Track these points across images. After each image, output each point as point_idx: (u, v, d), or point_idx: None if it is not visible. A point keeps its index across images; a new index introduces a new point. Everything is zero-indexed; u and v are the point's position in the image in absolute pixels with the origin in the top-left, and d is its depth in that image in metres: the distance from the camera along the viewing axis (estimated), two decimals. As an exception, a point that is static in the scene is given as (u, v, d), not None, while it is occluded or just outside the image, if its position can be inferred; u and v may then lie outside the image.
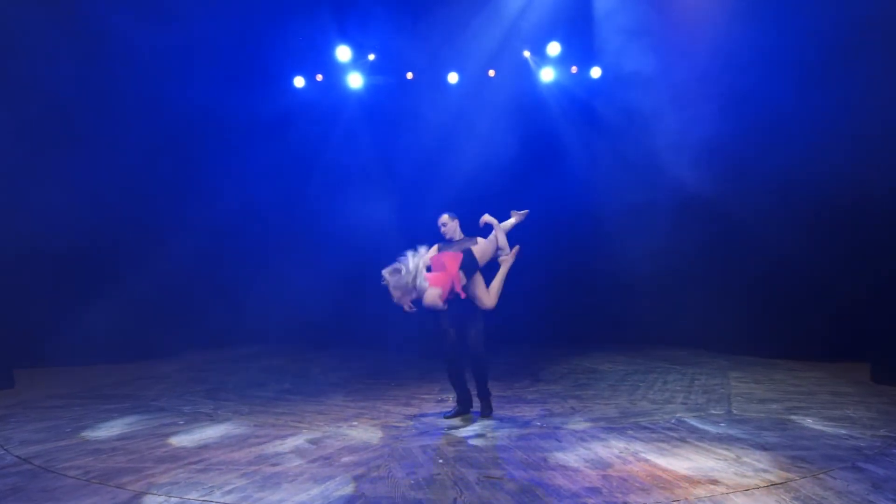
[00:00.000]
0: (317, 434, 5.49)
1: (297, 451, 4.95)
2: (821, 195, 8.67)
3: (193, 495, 4.01)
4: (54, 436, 5.49)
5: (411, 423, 5.88)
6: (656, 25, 9.93)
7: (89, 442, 5.32)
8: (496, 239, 5.95)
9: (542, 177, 11.81)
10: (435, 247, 6.09)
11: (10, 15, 8.63)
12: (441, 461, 4.65)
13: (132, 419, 6.10)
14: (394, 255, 12.10)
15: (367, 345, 11.23)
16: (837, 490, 3.93)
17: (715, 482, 4.09)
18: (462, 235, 6.13)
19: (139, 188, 10.01)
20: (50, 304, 9.28)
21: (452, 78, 11.50)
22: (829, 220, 8.70)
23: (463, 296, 5.59)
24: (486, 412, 5.99)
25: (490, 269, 6.03)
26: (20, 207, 8.83)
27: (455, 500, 3.89)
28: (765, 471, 4.30)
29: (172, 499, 3.96)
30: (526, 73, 11.54)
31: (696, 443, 5.01)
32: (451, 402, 6.36)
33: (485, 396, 6.02)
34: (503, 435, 5.37)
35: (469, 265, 5.70)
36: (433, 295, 5.36)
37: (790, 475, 4.20)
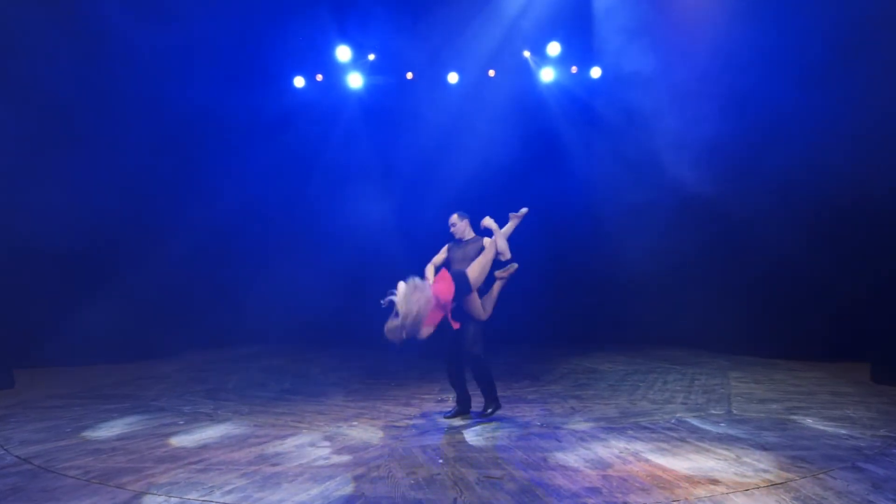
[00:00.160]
0: (317, 434, 5.49)
1: (297, 451, 4.95)
2: (821, 195, 8.67)
3: (193, 495, 4.01)
4: (54, 436, 5.49)
5: (411, 423, 5.88)
6: (656, 25, 9.93)
7: (89, 442, 5.32)
8: (495, 244, 5.87)
9: (541, 177, 11.81)
10: (445, 248, 6.10)
11: (10, 15, 8.63)
12: (441, 461, 4.65)
13: (132, 419, 6.10)
14: (394, 255, 12.19)
15: (367, 345, 11.22)
16: (837, 490, 3.93)
17: (715, 482, 4.09)
18: (473, 234, 6.07)
19: (139, 188, 10.01)
20: (50, 304, 9.28)
21: (452, 78, 11.51)
22: (829, 220, 8.70)
23: (456, 326, 5.59)
24: (489, 410, 5.88)
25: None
26: (20, 207, 8.83)
27: (455, 500, 3.89)
28: (765, 471, 4.30)
29: (172, 499, 3.96)
30: (526, 73, 11.55)
31: (696, 443, 5.01)
32: (451, 402, 6.36)
33: (490, 399, 5.91)
34: (503, 435, 5.37)
35: (462, 290, 5.63)
36: (426, 333, 5.45)
37: (790, 475, 4.20)
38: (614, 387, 7.49)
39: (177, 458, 4.82)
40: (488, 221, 6.00)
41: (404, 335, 5.43)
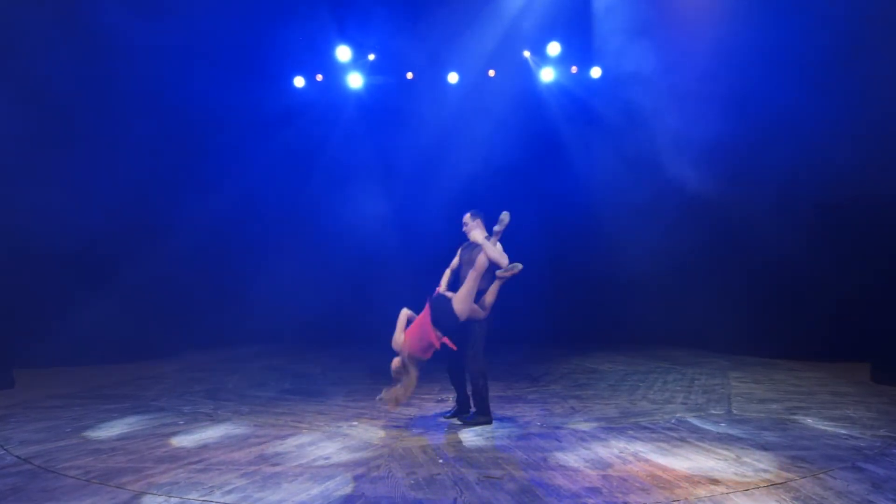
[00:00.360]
0: (317, 434, 5.49)
1: (297, 451, 4.95)
2: (821, 195, 8.68)
3: (193, 495, 4.01)
4: (54, 436, 5.49)
5: (411, 423, 5.87)
6: (656, 25, 9.94)
7: (89, 442, 5.32)
8: (484, 260, 5.68)
9: (541, 177, 11.82)
10: (459, 251, 6.02)
11: (10, 14, 8.62)
12: (441, 461, 4.65)
13: (132, 419, 6.10)
14: (394, 255, 12.15)
15: (368, 344, 11.22)
16: (837, 490, 3.93)
17: (715, 482, 4.09)
18: (486, 234, 5.89)
19: (139, 188, 10.00)
20: (50, 304, 9.28)
21: (452, 78, 11.50)
22: (829, 220, 8.71)
23: (454, 348, 5.60)
24: (471, 419, 5.78)
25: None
26: (20, 207, 8.82)
27: (455, 500, 3.89)
28: (765, 471, 4.30)
29: (172, 499, 3.96)
30: (526, 73, 11.55)
31: (696, 443, 5.01)
32: (451, 402, 6.36)
33: (481, 410, 5.79)
34: (503, 435, 5.37)
35: (441, 318, 5.54)
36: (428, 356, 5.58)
37: (790, 475, 4.20)
38: (614, 387, 7.49)
39: (177, 458, 4.81)
40: (475, 236, 5.81)
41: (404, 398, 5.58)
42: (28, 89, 8.80)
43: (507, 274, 5.75)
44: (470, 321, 5.69)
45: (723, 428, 5.45)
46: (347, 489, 4.08)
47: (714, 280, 10.05)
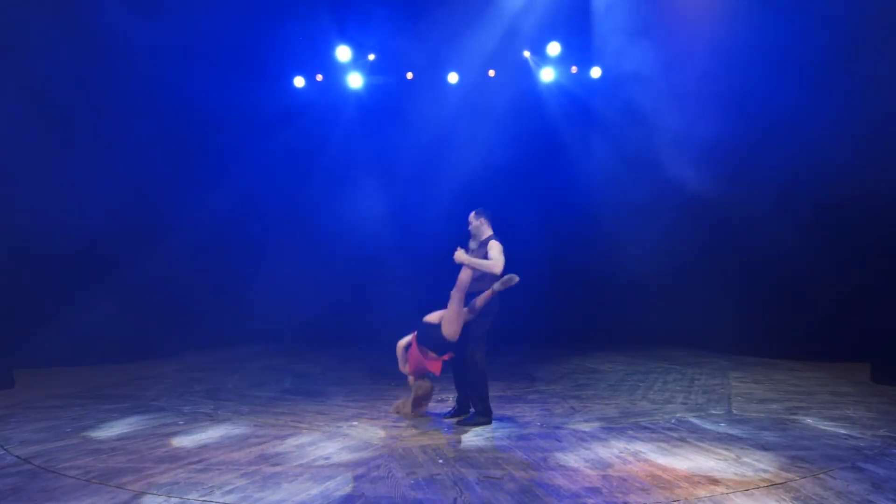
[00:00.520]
0: (317, 434, 5.49)
1: (297, 451, 4.95)
2: (821, 195, 8.68)
3: (193, 495, 4.01)
4: (54, 436, 5.49)
5: (411, 423, 5.87)
6: (656, 25, 9.95)
7: (89, 442, 5.32)
8: (468, 276, 5.64)
9: (541, 177, 11.83)
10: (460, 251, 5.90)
11: (10, 14, 8.62)
12: (441, 461, 4.65)
13: (132, 419, 6.10)
14: (394, 255, 12.12)
15: (368, 344, 11.24)
16: (837, 490, 3.93)
17: (715, 482, 4.09)
18: (489, 233, 5.83)
19: (139, 188, 10.00)
20: (50, 304, 9.27)
21: (452, 78, 11.50)
22: (829, 220, 8.71)
23: (449, 356, 5.68)
24: (471, 420, 5.75)
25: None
26: (20, 207, 8.83)
27: (455, 500, 3.89)
28: (765, 471, 4.30)
29: (172, 499, 3.96)
30: (526, 73, 11.55)
31: (696, 443, 5.01)
32: (451, 402, 6.36)
33: (480, 411, 5.76)
34: (503, 435, 5.37)
35: (428, 342, 5.65)
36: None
37: (790, 475, 4.20)
38: (614, 387, 7.49)
39: (177, 458, 4.81)
40: (458, 256, 5.68)
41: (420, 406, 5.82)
42: (28, 89, 8.81)
43: (502, 287, 5.63)
44: (470, 327, 5.69)
45: (723, 428, 5.45)
46: (347, 489, 4.08)
47: (714, 280, 10.05)
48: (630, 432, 5.37)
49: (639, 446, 4.94)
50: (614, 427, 5.57)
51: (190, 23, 9.60)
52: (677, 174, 9.82)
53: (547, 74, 11.41)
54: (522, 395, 7.03)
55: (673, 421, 5.75)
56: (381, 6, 10.86)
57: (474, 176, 10.85)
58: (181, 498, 3.97)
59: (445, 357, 5.69)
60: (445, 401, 6.69)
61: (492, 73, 11.41)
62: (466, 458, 4.73)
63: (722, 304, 9.87)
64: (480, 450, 4.95)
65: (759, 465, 4.43)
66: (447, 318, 5.59)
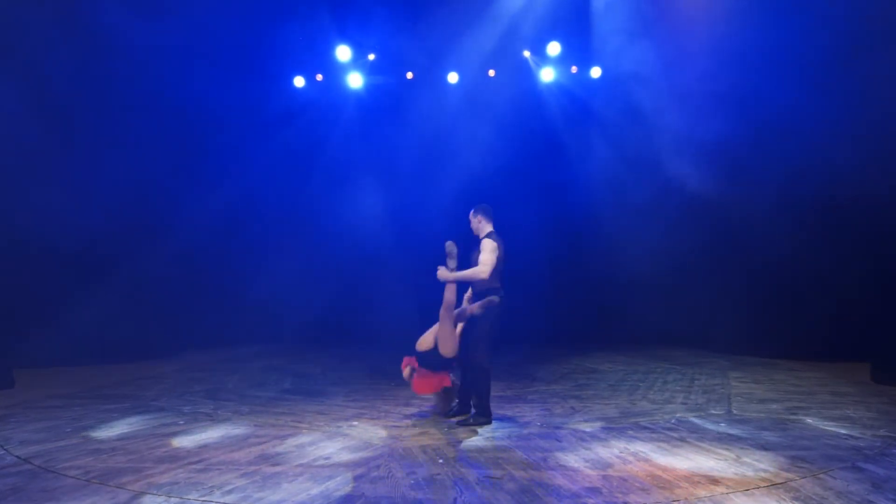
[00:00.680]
0: (317, 434, 5.49)
1: (297, 451, 4.95)
2: (821, 195, 8.67)
3: (193, 495, 4.01)
4: (54, 436, 5.49)
5: (411, 423, 5.88)
6: (656, 25, 9.94)
7: (89, 442, 5.32)
8: (453, 294, 5.64)
9: (541, 177, 11.82)
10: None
11: (10, 14, 8.62)
12: (441, 461, 4.65)
13: (132, 419, 6.10)
14: (394, 255, 12.10)
15: (368, 344, 11.24)
16: (837, 490, 3.93)
17: (715, 482, 4.09)
18: (488, 230, 5.80)
19: (139, 188, 10.00)
20: (50, 304, 9.27)
21: (452, 78, 11.50)
22: (829, 220, 8.71)
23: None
24: (471, 419, 5.74)
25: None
26: (20, 207, 8.83)
27: (455, 500, 3.89)
28: (765, 471, 4.30)
29: (172, 499, 3.96)
30: (526, 73, 11.54)
31: (696, 443, 5.01)
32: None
33: (479, 411, 5.75)
34: (503, 435, 5.37)
35: (446, 364, 5.80)
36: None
37: (790, 475, 4.20)
38: (614, 387, 7.49)
39: (177, 458, 4.81)
40: (441, 274, 5.61)
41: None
42: (28, 89, 8.80)
43: (478, 310, 5.65)
44: (470, 321, 5.70)
45: (723, 428, 5.45)
46: (347, 489, 4.08)
47: (714, 280, 10.06)
48: (630, 432, 5.37)
49: (639, 446, 4.94)
50: (614, 427, 5.57)
51: (190, 23, 9.60)
52: (677, 174, 9.82)
53: (547, 74, 11.40)
54: (522, 395, 7.03)
55: (673, 421, 5.75)
56: (381, 6, 10.85)
57: (474, 176, 10.84)
58: (181, 498, 3.97)
59: (453, 363, 5.82)
60: (445, 401, 6.69)
61: (492, 72, 11.41)
62: (466, 458, 4.74)
63: (722, 304, 9.87)
64: (480, 450, 4.95)
65: (759, 465, 4.43)
66: (442, 338, 5.61)
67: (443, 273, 5.58)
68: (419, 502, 3.85)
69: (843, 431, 5.27)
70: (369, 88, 11.76)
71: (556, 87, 11.60)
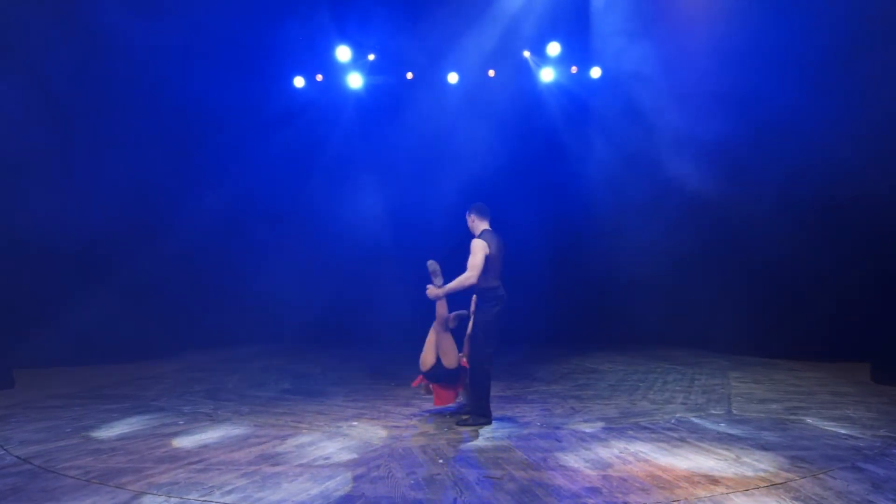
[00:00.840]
0: (317, 434, 5.49)
1: (297, 451, 4.95)
2: (821, 195, 8.68)
3: (193, 495, 4.01)
4: (54, 436, 5.49)
5: (411, 423, 5.88)
6: (656, 25, 9.94)
7: (89, 442, 5.32)
8: (444, 308, 5.75)
9: (541, 176, 11.82)
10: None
11: (10, 14, 8.62)
12: (441, 461, 4.65)
13: (132, 419, 6.10)
14: (394, 255, 12.09)
15: (368, 344, 11.24)
16: (837, 490, 3.93)
17: (715, 482, 4.09)
18: (483, 227, 5.79)
19: (139, 188, 10.00)
20: (50, 304, 9.27)
21: (452, 78, 11.50)
22: (829, 219, 8.71)
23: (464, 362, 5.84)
24: (462, 421, 5.71)
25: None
26: (20, 207, 8.82)
27: (455, 500, 3.89)
28: (765, 471, 4.30)
29: (172, 499, 3.96)
30: (526, 73, 11.54)
31: (696, 443, 5.01)
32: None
33: (477, 412, 5.71)
34: (503, 435, 5.37)
35: (454, 374, 5.88)
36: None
37: (790, 475, 4.20)
38: (614, 387, 7.49)
39: (177, 458, 4.82)
40: (430, 292, 5.66)
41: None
42: (28, 89, 8.80)
43: (455, 324, 5.90)
44: (475, 331, 5.74)
45: (723, 428, 5.46)
46: (347, 489, 4.08)
47: (714, 280, 10.06)
48: (630, 432, 5.38)
49: (639, 446, 4.94)
50: (614, 427, 5.57)
51: (190, 23, 9.59)
52: (677, 174, 9.82)
53: (547, 74, 11.40)
54: (522, 395, 7.03)
55: (673, 421, 5.75)
56: (381, 6, 10.86)
57: (474, 176, 10.84)
58: (181, 498, 3.97)
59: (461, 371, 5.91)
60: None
61: (492, 73, 11.41)
62: (466, 458, 4.74)
63: (722, 304, 9.87)
64: (480, 450, 4.95)
65: (759, 465, 4.43)
66: (443, 351, 5.72)
67: (432, 291, 5.66)
68: (419, 502, 3.85)
69: (843, 431, 5.27)
70: (369, 88, 11.76)
71: (555, 87, 11.60)
